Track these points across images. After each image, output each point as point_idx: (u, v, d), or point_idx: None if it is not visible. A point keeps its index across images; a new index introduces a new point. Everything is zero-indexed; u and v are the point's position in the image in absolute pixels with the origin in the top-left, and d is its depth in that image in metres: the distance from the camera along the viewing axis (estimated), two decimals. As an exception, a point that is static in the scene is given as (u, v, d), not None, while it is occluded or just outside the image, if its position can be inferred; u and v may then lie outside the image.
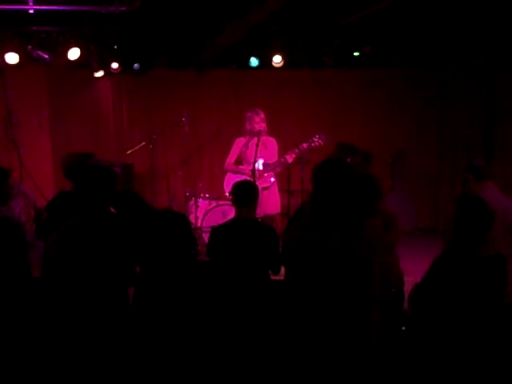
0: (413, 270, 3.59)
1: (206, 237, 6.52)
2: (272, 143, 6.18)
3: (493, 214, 3.02)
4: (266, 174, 6.10)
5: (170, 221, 3.67)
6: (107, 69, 7.77)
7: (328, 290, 2.76)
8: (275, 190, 6.25)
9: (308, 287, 2.80)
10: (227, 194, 6.36)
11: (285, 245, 3.12)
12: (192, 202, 7.14)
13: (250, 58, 7.89)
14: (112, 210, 3.55)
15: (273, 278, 3.99)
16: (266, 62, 7.83)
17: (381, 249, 2.91)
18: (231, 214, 6.19)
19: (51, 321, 3.17)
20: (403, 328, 3.62)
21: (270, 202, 6.08)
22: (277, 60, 7.68)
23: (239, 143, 6.30)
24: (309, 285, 2.80)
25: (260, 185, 5.73)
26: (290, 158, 6.01)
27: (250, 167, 5.98)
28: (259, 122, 6.05)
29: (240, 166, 6.30)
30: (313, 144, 5.99)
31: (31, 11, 5.93)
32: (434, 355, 3.04)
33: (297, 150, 6.02)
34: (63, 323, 3.12)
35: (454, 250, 3.05)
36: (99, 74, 7.86)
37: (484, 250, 2.98)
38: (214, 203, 6.99)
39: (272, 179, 6.19)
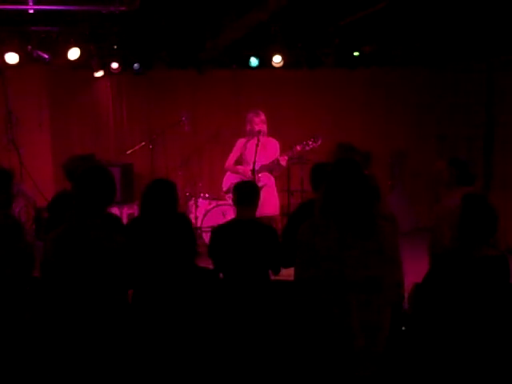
0: (413, 270, 3.59)
1: (206, 237, 6.53)
2: (273, 144, 6.16)
3: (497, 214, 3.01)
4: (260, 174, 6.09)
5: (172, 220, 3.68)
6: (107, 69, 7.78)
7: (342, 290, 2.76)
8: (273, 191, 6.24)
9: (321, 287, 2.80)
10: (224, 191, 6.41)
11: (292, 246, 3.09)
12: (192, 202, 7.16)
13: (250, 58, 7.90)
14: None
15: (273, 278, 4.00)
16: (265, 61, 7.83)
17: (393, 249, 2.89)
18: (231, 213, 6.22)
19: (49, 321, 3.17)
20: (403, 328, 3.62)
21: (269, 203, 6.04)
22: (277, 60, 7.68)
23: (240, 144, 6.31)
24: (322, 285, 2.80)
25: (258, 183, 5.73)
26: (282, 161, 5.98)
27: (249, 167, 5.98)
28: (259, 123, 6.05)
29: (239, 166, 6.30)
30: (307, 147, 5.98)
31: (31, 11, 5.93)
32: (434, 355, 3.05)
33: (290, 152, 6.01)
34: (61, 324, 3.11)
35: (456, 249, 3.04)
36: (99, 73, 7.87)
37: (486, 250, 2.97)
38: (213, 203, 7.01)
39: (268, 179, 6.18)
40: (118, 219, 3.91)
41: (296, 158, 6.26)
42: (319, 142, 5.96)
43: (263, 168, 6.08)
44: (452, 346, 2.98)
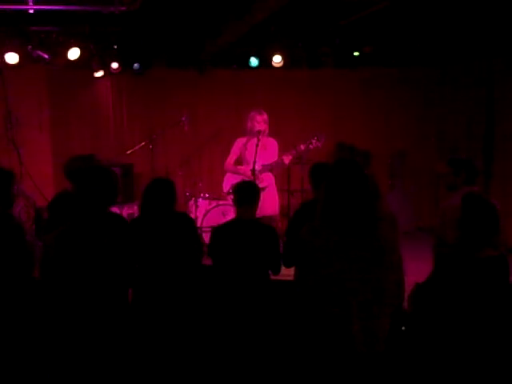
0: (413, 270, 3.59)
1: (206, 237, 6.53)
2: (272, 144, 6.16)
3: (498, 214, 3.01)
4: (262, 175, 6.08)
5: (174, 220, 3.69)
6: (107, 69, 7.78)
7: (342, 292, 2.76)
8: (274, 191, 6.24)
9: (322, 289, 2.80)
10: (225, 192, 6.39)
11: (295, 246, 3.08)
12: (192, 202, 7.15)
13: (249, 58, 7.90)
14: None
15: (273, 278, 4.00)
16: (266, 61, 7.84)
17: (393, 251, 2.89)
18: (231, 213, 6.21)
19: (49, 321, 3.17)
20: (403, 328, 3.62)
21: (268, 204, 6.04)
22: (277, 60, 7.68)
23: (239, 143, 6.30)
24: (322, 287, 2.79)
25: (258, 184, 5.72)
26: (286, 160, 5.99)
27: (250, 167, 5.98)
28: (260, 121, 6.04)
29: (239, 166, 6.30)
30: (310, 146, 5.98)
31: (31, 11, 5.93)
32: (434, 355, 3.05)
33: (294, 151, 6.01)
34: (61, 324, 3.12)
35: (457, 250, 3.04)
36: (99, 73, 7.87)
37: (487, 251, 2.97)
38: (214, 203, 7.00)
39: (270, 179, 6.18)
40: (120, 218, 3.91)
41: (299, 157, 6.27)
42: (323, 141, 5.97)
43: (265, 168, 6.07)
44: (452, 346, 2.98)
